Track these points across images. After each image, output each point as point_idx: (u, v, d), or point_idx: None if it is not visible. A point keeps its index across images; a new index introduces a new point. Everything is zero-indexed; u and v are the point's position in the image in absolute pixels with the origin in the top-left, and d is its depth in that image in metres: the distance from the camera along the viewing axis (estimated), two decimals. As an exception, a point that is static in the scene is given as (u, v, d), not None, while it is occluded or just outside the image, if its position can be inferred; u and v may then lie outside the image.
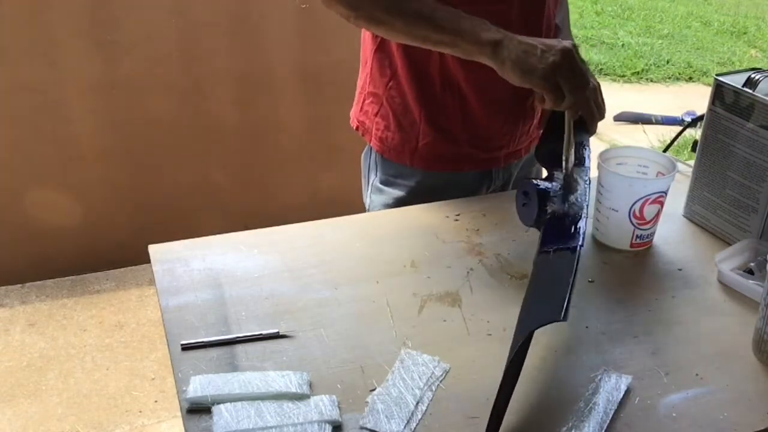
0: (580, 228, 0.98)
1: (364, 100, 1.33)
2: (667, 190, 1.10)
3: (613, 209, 1.10)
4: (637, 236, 1.11)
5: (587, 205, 1.02)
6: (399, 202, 1.31)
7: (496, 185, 1.36)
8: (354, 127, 1.37)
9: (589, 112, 1.08)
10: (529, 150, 1.38)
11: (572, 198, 1.03)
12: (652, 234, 1.14)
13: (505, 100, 1.27)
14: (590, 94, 1.08)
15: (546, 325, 0.83)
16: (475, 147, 1.29)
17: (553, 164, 1.09)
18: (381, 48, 1.25)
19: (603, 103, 1.16)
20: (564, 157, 1.05)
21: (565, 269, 0.90)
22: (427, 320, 0.96)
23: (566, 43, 1.03)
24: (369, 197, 1.38)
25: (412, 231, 1.17)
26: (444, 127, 1.26)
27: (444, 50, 1.11)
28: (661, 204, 1.10)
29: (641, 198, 1.07)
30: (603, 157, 1.13)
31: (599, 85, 1.17)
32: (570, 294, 0.83)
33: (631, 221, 1.09)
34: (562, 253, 0.93)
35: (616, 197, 1.09)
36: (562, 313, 0.80)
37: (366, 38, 1.29)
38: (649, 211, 1.09)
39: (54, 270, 2.58)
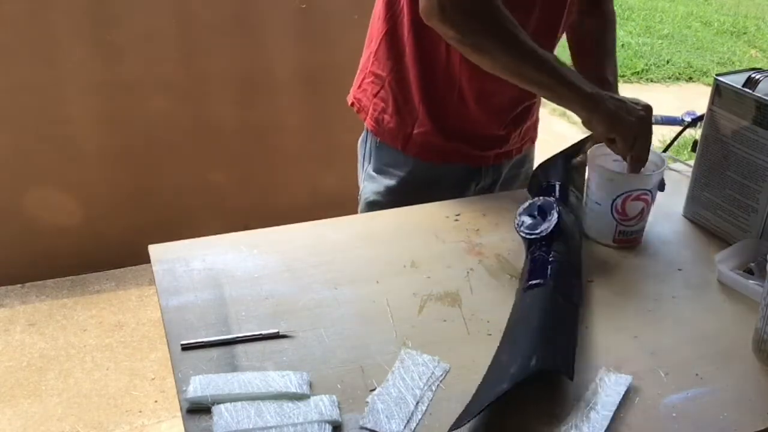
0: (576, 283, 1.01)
1: (364, 78, 1.33)
2: (652, 188, 1.10)
3: (597, 203, 1.11)
4: (620, 232, 1.12)
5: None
6: (389, 192, 1.32)
7: (485, 182, 1.37)
8: (350, 104, 1.38)
9: (644, 158, 1.12)
10: (521, 151, 1.39)
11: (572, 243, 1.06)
12: (639, 231, 1.14)
13: (504, 109, 1.29)
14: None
15: (550, 372, 0.84)
16: (467, 144, 1.30)
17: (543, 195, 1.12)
18: (392, 32, 1.25)
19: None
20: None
21: (563, 317, 0.92)
22: (427, 320, 0.96)
23: (647, 104, 1.12)
24: (362, 184, 1.39)
25: (412, 231, 1.17)
26: (441, 121, 1.27)
27: (535, 89, 1.15)
28: (646, 202, 1.10)
29: (622, 194, 1.08)
30: (596, 152, 1.15)
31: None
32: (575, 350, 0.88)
33: (613, 216, 1.10)
34: (559, 298, 0.94)
35: (599, 191, 1.11)
36: (571, 372, 0.83)
37: (377, 16, 1.28)
38: (632, 207, 1.09)
39: (54, 270, 2.57)
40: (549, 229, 1.01)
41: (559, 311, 0.93)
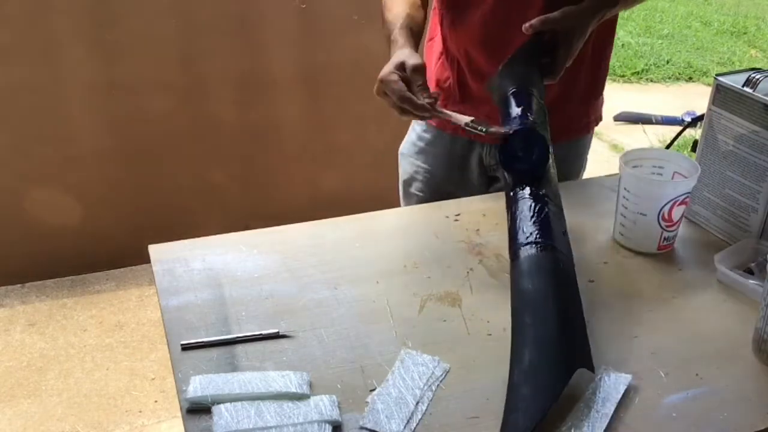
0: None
1: None
2: (692, 190, 1.11)
3: (641, 213, 1.10)
4: (664, 238, 1.12)
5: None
6: (406, 145, 1.50)
7: (488, 160, 1.40)
8: None
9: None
10: None
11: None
12: (676, 235, 1.14)
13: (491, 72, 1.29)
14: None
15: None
16: (460, 107, 1.34)
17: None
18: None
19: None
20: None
21: (573, 293, 0.90)
22: (427, 320, 0.96)
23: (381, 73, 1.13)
24: None
25: (412, 231, 1.17)
26: (442, 86, 1.39)
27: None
28: (686, 204, 1.10)
29: (671, 200, 1.07)
30: (624, 159, 1.14)
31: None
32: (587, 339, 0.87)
33: (659, 224, 1.10)
34: (561, 260, 0.91)
35: (646, 201, 1.09)
36: (591, 365, 0.84)
37: None
38: (677, 212, 1.09)
39: (54, 270, 2.57)
40: (538, 158, 0.99)
41: (568, 281, 0.90)
